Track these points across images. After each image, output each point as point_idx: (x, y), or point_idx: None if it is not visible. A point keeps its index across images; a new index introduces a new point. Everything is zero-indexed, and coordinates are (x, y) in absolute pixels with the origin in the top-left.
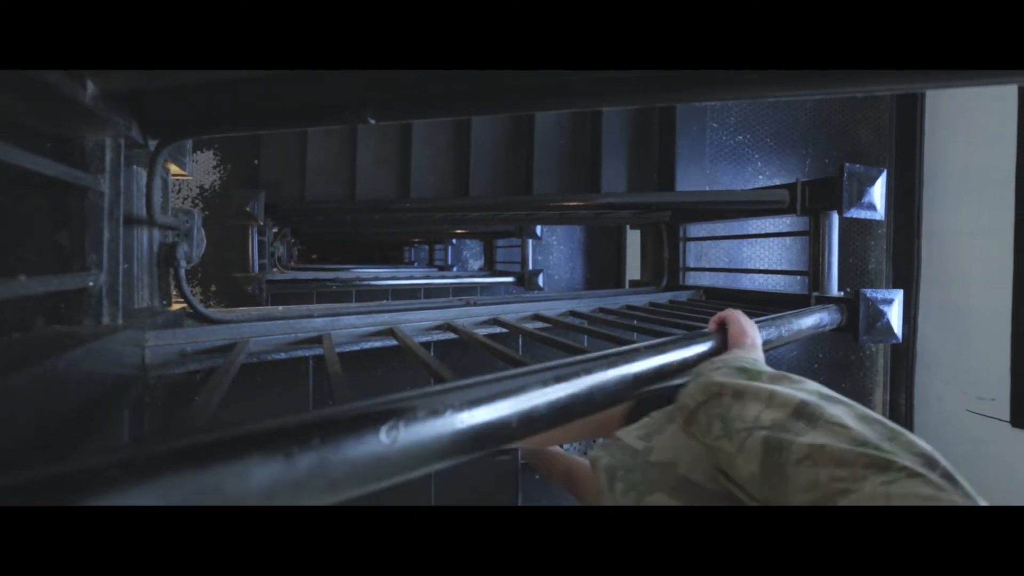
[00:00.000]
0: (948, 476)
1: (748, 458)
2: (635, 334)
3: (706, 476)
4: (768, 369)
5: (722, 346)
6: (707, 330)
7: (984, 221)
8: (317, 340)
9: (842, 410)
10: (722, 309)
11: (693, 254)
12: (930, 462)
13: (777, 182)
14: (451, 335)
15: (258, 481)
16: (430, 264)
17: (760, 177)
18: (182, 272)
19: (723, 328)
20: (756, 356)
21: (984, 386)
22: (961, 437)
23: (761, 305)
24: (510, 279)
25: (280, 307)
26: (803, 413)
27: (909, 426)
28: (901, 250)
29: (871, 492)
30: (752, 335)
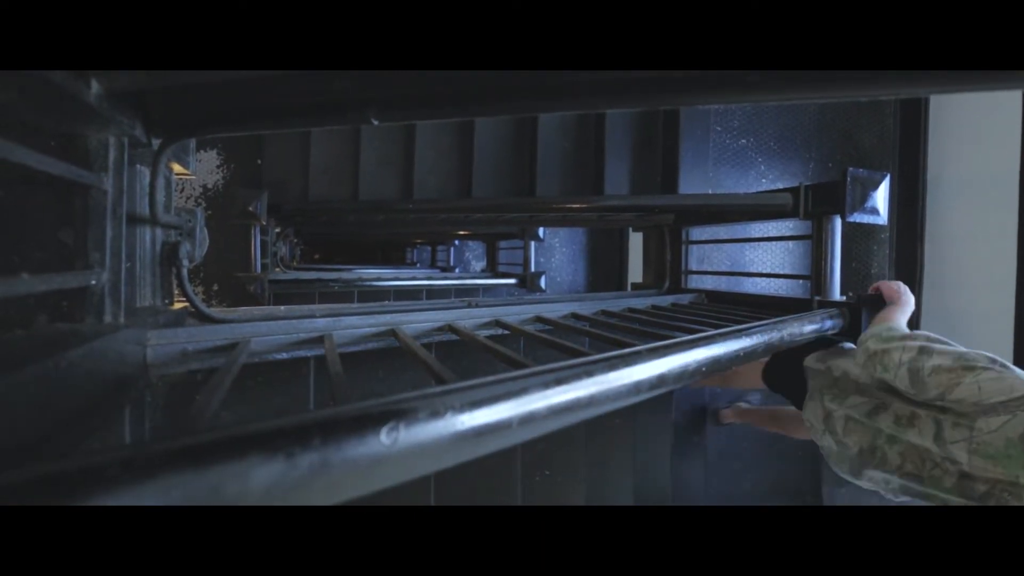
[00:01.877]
0: (1004, 365)
1: (901, 379)
2: (637, 337)
3: (867, 378)
4: (900, 331)
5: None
6: (870, 291)
7: (987, 225)
8: (319, 340)
9: (940, 346)
10: (725, 313)
11: (695, 257)
12: (992, 360)
13: (780, 186)
14: (453, 336)
15: (258, 481)
16: (432, 265)
17: (763, 180)
18: (184, 271)
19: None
20: (905, 314)
21: None
22: None
23: (763, 309)
24: (512, 281)
25: (282, 307)
26: (923, 350)
27: None
28: (904, 254)
29: (969, 383)
30: (903, 295)
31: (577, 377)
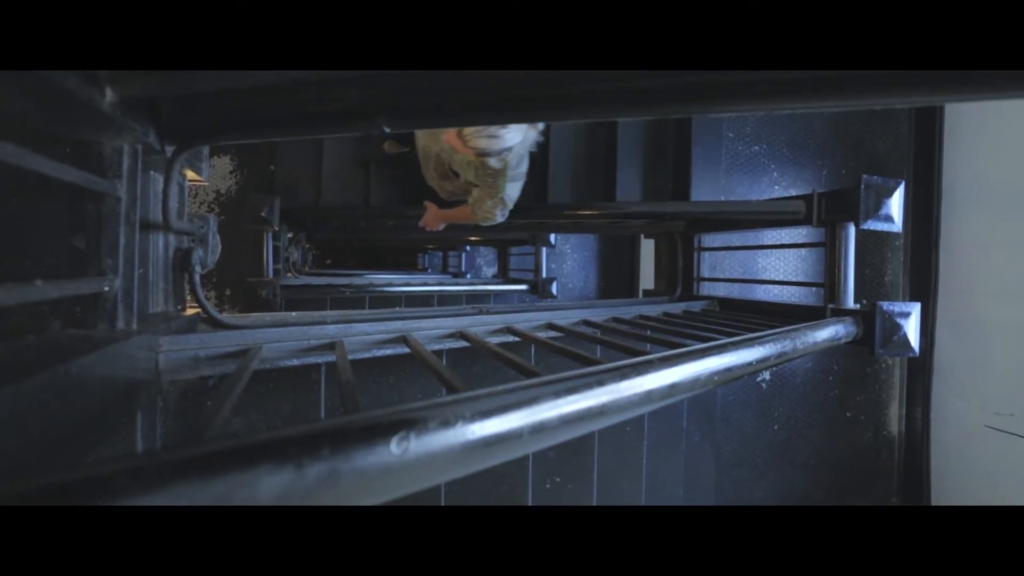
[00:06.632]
0: None
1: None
2: (648, 345)
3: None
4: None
5: None
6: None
7: (1003, 233)
8: (330, 347)
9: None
10: (737, 321)
11: (707, 264)
12: None
13: (793, 193)
14: (464, 343)
15: (267, 491)
16: (444, 271)
17: (776, 187)
18: (197, 277)
19: None
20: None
21: (1003, 401)
22: (979, 453)
23: (776, 317)
24: (523, 287)
25: (293, 313)
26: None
27: (926, 441)
28: (919, 262)
29: None
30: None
31: (588, 386)
